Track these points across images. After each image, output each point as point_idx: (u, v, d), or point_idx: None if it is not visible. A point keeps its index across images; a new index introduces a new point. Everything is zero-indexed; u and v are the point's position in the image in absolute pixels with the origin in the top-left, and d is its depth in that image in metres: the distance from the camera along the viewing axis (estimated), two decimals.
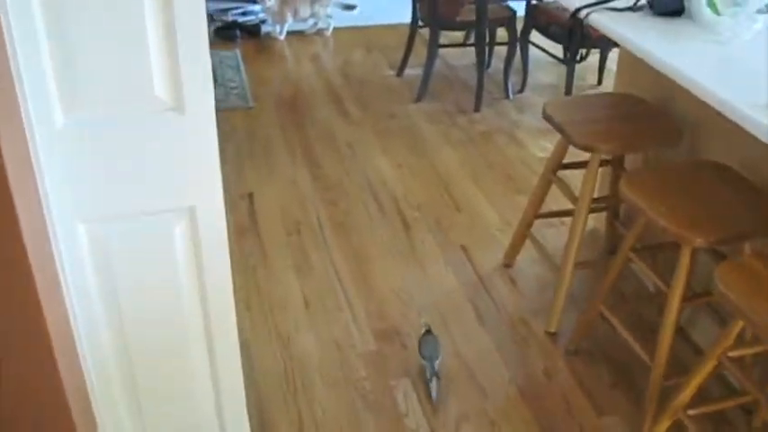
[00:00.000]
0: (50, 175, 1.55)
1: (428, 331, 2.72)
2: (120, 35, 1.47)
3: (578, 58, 4.28)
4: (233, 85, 4.68)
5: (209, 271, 1.80)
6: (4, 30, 1.36)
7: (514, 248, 3.18)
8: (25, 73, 1.44)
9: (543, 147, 4.07)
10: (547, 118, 2.79)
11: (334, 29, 5.58)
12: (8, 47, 1.38)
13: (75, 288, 1.69)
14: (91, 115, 1.55)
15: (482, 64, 4.37)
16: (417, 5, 4.58)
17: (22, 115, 1.45)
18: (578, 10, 2.67)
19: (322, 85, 4.77)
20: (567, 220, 3.05)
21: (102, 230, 1.67)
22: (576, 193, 2.77)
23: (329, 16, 5.48)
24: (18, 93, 1.43)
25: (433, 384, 2.57)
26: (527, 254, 3.20)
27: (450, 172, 3.85)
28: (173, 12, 1.48)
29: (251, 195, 3.65)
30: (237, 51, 5.22)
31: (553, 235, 3.33)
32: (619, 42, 2.55)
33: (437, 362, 2.64)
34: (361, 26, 5.70)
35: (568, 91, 4.26)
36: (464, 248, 3.31)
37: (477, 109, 4.42)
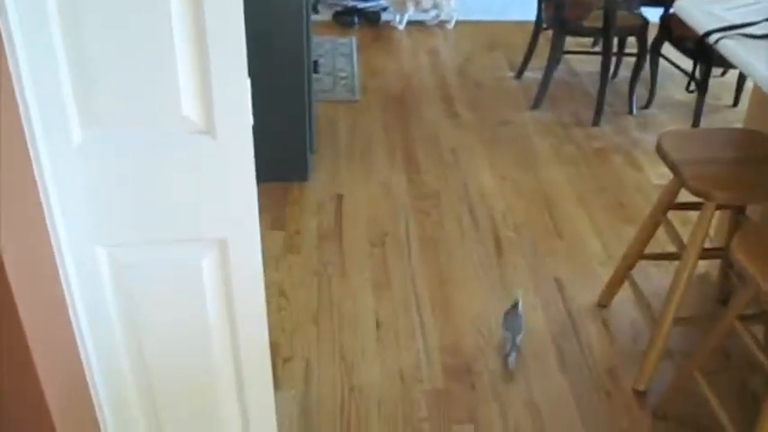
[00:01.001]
0: (65, 195, 1.40)
1: (515, 306, 2.74)
2: (144, 45, 1.30)
3: (710, 78, 3.89)
4: (343, 74, 4.51)
5: (241, 311, 1.62)
6: (5, 40, 1.20)
7: (612, 288, 2.89)
8: (38, 85, 1.29)
9: (663, 173, 3.72)
10: (660, 153, 2.49)
11: (458, 22, 5.32)
12: (9, 59, 1.22)
13: (89, 314, 1.55)
14: (111, 132, 1.39)
15: (606, 75, 4.04)
16: (543, 6, 4.28)
17: (25, 128, 1.30)
18: (708, 34, 2.36)
19: (435, 81, 4.55)
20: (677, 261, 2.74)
21: (123, 256, 1.52)
22: (686, 239, 2.46)
23: (453, 9, 5.23)
24: (21, 104, 1.28)
25: (512, 357, 2.64)
26: (625, 294, 2.90)
27: (556, 191, 3.57)
28: (204, 23, 1.30)
29: (340, 197, 3.48)
30: (353, 39, 5.05)
31: (659, 275, 3.02)
32: (753, 78, 2.23)
33: (519, 337, 2.68)
34: (486, 21, 5.43)
35: (697, 113, 3.88)
36: (558, 281, 3.04)
37: (595, 123, 4.11)
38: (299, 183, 3.56)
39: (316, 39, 4.73)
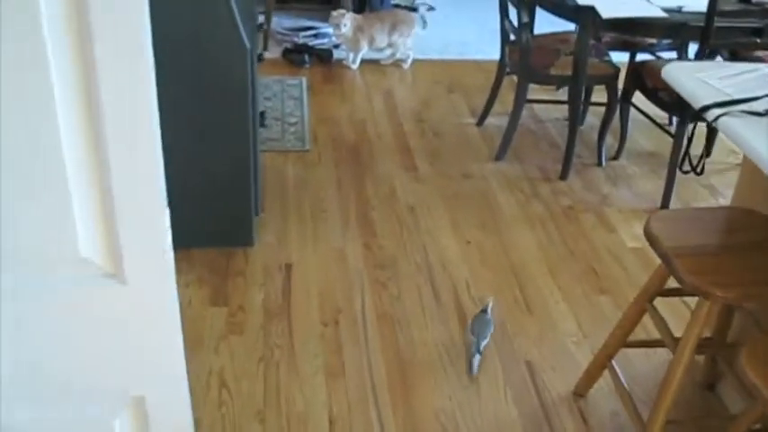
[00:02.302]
0: None
1: (484, 310, 2.79)
2: (31, 173, 0.97)
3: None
4: (292, 120, 4.19)
5: None
6: None
7: (590, 378, 2.61)
8: None
9: (636, 235, 3.47)
10: (650, 239, 2.21)
11: (414, 61, 5.03)
12: None
13: None
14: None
15: (574, 127, 3.78)
16: (506, 50, 4.01)
17: None
18: (705, 109, 2.08)
19: (391, 129, 4.24)
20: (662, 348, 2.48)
21: (20, 413, 1.18)
22: (675, 330, 2.19)
23: (409, 48, 4.94)
24: None
25: (476, 360, 2.67)
26: (605, 381, 2.62)
27: (524, 258, 3.28)
28: (106, 145, 0.98)
29: (289, 267, 3.15)
30: (304, 79, 4.73)
31: (641, 361, 2.75)
32: (758, 162, 1.96)
33: (484, 342, 2.73)
34: (445, 60, 5.15)
35: (672, 169, 3.63)
36: (529, 365, 2.74)
37: (563, 176, 3.84)
38: (244, 248, 3.23)
39: (264, 80, 4.41)
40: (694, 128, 2.62)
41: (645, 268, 3.21)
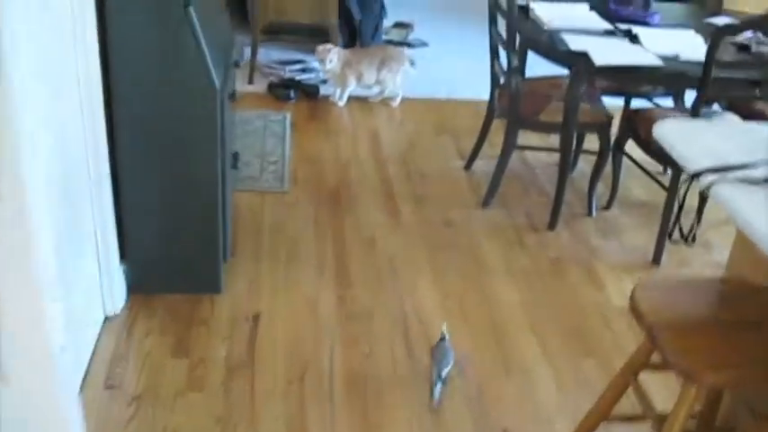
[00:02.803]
0: None
1: (442, 339, 2.77)
2: None
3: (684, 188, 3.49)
4: (272, 159, 4.03)
5: None
6: None
7: None
8: None
9: (625, 292, 3.29)
10: (635, 312, 2.04)
11: (404, 99, 4.88)
12: None
13: None
14: None
15: (564, 176, 3.62)
16: (496, 94, 3.86)
17: None
18: (698, 175, 1.92)
19: (376, 171, 4.09)
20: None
21: None
22: (663, 401, 2.03)
23: (398, 86, 4.79)
24: None
25: (438, 388, 2.64)
26: None
27: (506, 314, 3.11)
28: None
29: (257, 317, 2.98)
30: (288, 115, 4.58)
31: None
32: (752, 237, 1.79)
33: (446, 369, 2.69)
34: (435, 99, 5.00)
35: (665, 224, 3.46)
36: None
37: (551, 226, 3.68)
38: (211, 295, 3.05)
39: (246, 114, 4.27)
40: (689, 185, 2.46)
41: (633, 329, 3.04)
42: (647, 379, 2.21)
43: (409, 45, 5.67)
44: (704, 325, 1.98)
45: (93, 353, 2.75)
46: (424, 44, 5.79)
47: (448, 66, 5.49)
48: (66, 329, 2.45)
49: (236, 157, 3.23)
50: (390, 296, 3.15)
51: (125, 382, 2.64)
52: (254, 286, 3.14)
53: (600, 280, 3.38)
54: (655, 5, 4.03)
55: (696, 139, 2.08)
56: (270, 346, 2.84)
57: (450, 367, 2.70)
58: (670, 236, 2.10)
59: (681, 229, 2.10)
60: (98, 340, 2.81)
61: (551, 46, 3.40)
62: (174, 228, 2.94)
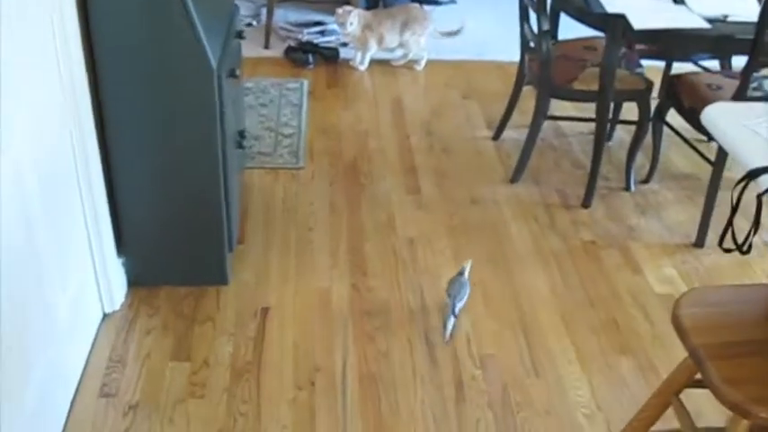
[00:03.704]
0: None
1: (461, 273, 2.75)
2: None
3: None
4: (287, 132, 3.79)
5: None
6: None
7: None
8: None
9: (666, 277, 3.04)
10: (679, 330, 1.79)
11: (429, 61, 4.59)
12: None
13: None
14: None
15: (600, 148, 3.34)
16: (526, 59, 3.57)
17: None
18: (755, 174, 1.65)
19: (396, 143, 3.83)
20: None
21: None
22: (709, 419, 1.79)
23: (422, 49, 4.49)
24: None
25: (450, 323, 2.65)
26: None
27: (535, 304, 2.87)
28: None
29: (265, 312, 2.77)
30: (305, 82, 4.32)
31: None
32: None
33: (460, 303, 2.69)
34: (462, 61, 4.70)
35: (710, 201, 3.17)
36: None
37: (586, 204, 3.41)
38: (216, 287, 2.85)
39: (261, 81, 4.03)
40: (746, 184, 2.17)
41: None
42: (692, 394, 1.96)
43: (436, 2, 5.34)
44: (758, 350, 1.72)
45: (90, 355, 2.57)
46: (452, 0, 5.46)
47: (477, 23, 5.17)
48: (60, 331, 2.27)
49: (242, 135, 3.00)
50: (409, 285, 2.92)
51: (122, 388, 2.46)
52: (263, 276, 2.92)
53: (637, 263, 3.11)
54: None
55: (752, 127, 1.80)
56: (278, 345, 2.64)
57: (464, 302, 2.71)
58: (721, 243, 1.82)
59: (734, 237, 1.83)
60: (95, 340, 2.62)
61: (585, 8, 3.09)
62: (174, 216, 2.72)
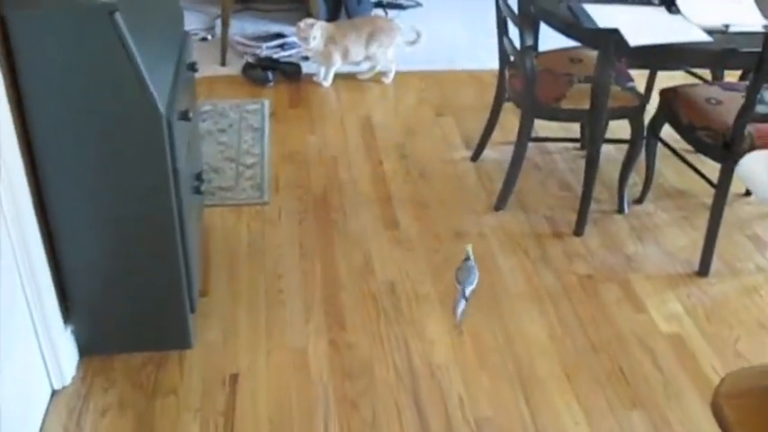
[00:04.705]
0: None
1: (466, 259, 2.79)
2: None
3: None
4: (250, 161, 3.47)
5: None
6: None
7: None
8: None
9: (672, 313, 2.79)
10: (721, 423, 1.51)
11: (398, 72, 4.30)
12: None
13: None
14: None
15: (592, 172, 3.08)
16: (506, 73, 3.29)
17: None
18: None
19: (369, 168, 3.53)
20: None
21: None
22: None
23: (390, 61, 4.20)
24: None
25: (461, 307, 2.67)
26: None
27: (533, 354, 2.60)
28: None
29: (235, 379, 2.46)
30: (266, 102, 4.00)
31: None
32: None
33: (470, 288, 2.72)
34: (433, 71, 4.41)
35: (713, 227, 2.92)
36: None
37: (578, 232, 3.14)
38: (179, 351, 2.54)
39: (218, 104, 3.72)
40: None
41: (683, 365, 2.54)
42: None
43: (401, 6, 5.05)
44: None
45: None
46: (417, 4, 5.17)
47: (446, 28, 4.89)
48: (4, 416, 1.94)
49: (199, 178, 2.69)
50: (393, 339, 2.63)
51: None
52: (230, 335, 2.62)
53: (639, 299, 2.85)
54: None
55: None
56: (251, 421, 2.34)
57: (474, 286, 2.74)
58: None
59: None
60: (44, 423, 2.30)
61: (573, 22, 2.81)
62: (127, 276, 2.41)
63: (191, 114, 2.33)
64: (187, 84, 2.55)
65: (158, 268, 2.40)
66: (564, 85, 3.10)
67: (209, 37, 4.60)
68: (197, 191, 2.62)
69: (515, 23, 2.96)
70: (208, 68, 4.26)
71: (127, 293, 2.44)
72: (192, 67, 2.60)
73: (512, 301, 2.81)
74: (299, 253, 3.00)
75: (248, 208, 3.23)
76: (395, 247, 3.05)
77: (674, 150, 3.22)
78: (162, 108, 2.12)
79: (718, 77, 3.46)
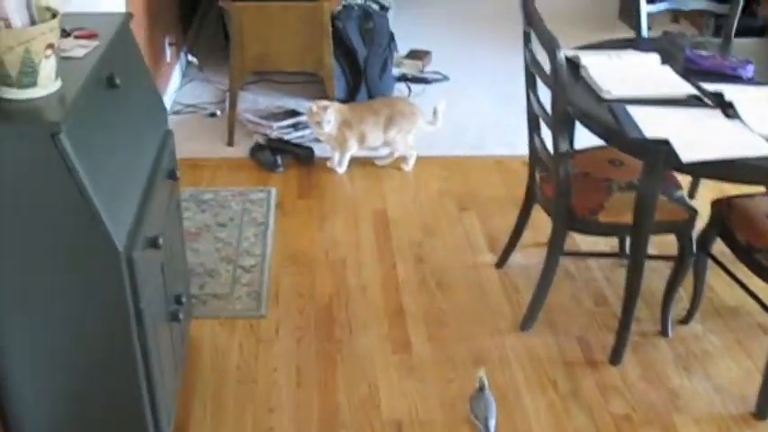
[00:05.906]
0: None
1: (481, 388, 2.44)
2: None
3: None
4: (249, 263, 3.12)
5: None
6: None
7: None
8: None
9: None
10: None
11: (419, 158, 3.95)
12: None
13: None
14: None
15: (634, 295, 2.69)
16: (537, 179, 2.92)
17: None
18: None
19: (381, 273, 3.17)
20: None
21: None
22: None
23: (411, 147, 3.85)
24: None
25: None
26: None
27: None
28: None
29: None
30: (273, 191, 3.66)
31: None
32: None
33: (493, 421, 2.39)
34: (457, 157, 4.05)
35: None
36: None
37: (614, 360, 2.74)
38: None
39: (221, 192, 3.40)
40: None
41: None
42: None
43: (426, 81, 4.72)
44: None
45: None
46: (444, 78, 4.84)
47: (474, 106, 4.55)
48: None
49: (179, 301, 2.33)
50: None
51: None
52: None
53: None
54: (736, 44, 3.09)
55: None
56: None
57: (495, 419, 2.43)
58: None
59: None
60: None
61: (615, 128, 2.44)
62: (82, 426, 2.05)
63: (160, 241, 1.97)
64: (165, 197, 2.21)
65: (119, 420, 2.04)
66: (603, 193, 2.72)
67: (218, 112, 4.29)
68: (174, 318, 2.26)
69: (548, 125, 2.60)
70: (213, 149, 3.95)
71: None
72: (172, 176, 2.26)
73: None
74: (295, 380, 2.63)
75: (243, 322, 2.87)
76: (405, 376, 2.67)
77: (726, 270, 2.81)
78: (120, 243, 1.77)
79: None
